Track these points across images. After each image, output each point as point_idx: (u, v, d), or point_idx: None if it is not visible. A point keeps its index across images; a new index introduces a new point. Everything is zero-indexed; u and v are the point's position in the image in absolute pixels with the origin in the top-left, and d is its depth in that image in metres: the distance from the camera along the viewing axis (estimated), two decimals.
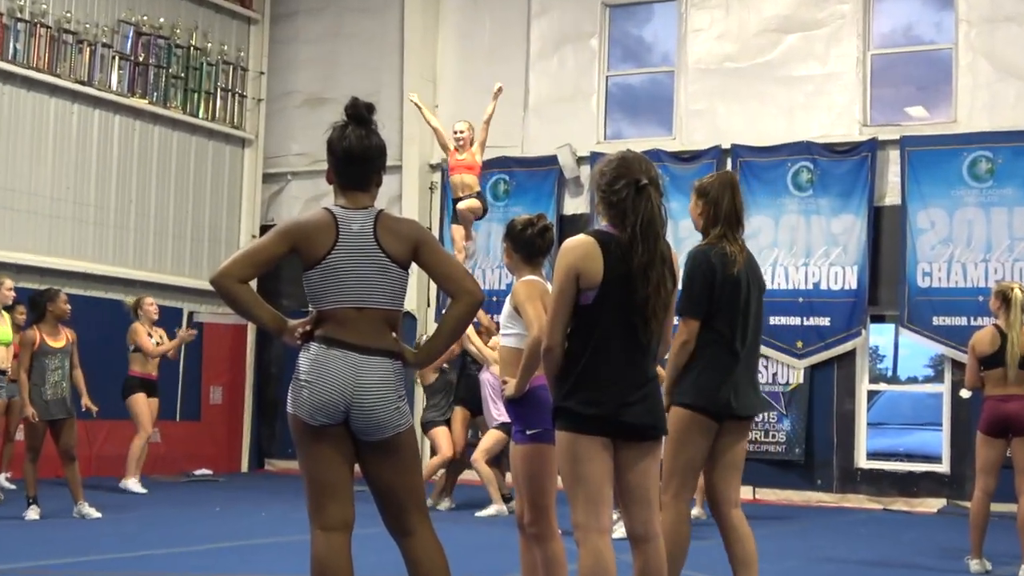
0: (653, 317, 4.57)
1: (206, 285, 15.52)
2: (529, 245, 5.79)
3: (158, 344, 13.11)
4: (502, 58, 16.88)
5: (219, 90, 17.49)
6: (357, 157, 4.57)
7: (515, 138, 16.71)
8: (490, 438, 11.77)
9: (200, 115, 17.17)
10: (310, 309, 4.57)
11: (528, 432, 5.58)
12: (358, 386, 4.39)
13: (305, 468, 4.49)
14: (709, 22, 15.92)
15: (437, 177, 16.82)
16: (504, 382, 5.58)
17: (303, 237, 4.49)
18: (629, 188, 4.60)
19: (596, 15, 16.59)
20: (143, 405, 13.07)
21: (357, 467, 4.53)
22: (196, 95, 17.15)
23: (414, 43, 17.24)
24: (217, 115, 17.45)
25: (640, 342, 4.60)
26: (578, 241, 4.64)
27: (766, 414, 14.80)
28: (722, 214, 5.71)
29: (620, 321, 4.56)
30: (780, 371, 14.85)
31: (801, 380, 14.76)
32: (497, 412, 11.28)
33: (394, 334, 4.55)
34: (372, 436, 4.44)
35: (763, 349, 14.60)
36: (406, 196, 16.95)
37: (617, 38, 16.76)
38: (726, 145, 15.35)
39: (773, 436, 14.75)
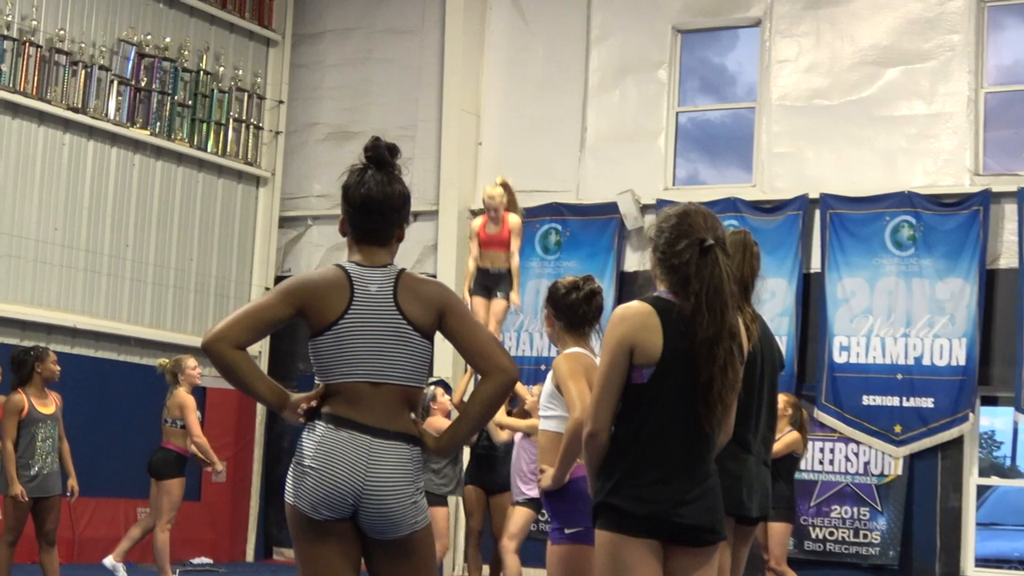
0: (719, 402, 4.51)
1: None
2: (573, 312, 5.73)
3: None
4: (556, 89, 16.89)
5: (231, 121, 17.63)
6: (376, 207, 4.57)
7: (569, 183, 16.70)
8: (518, 519, 11.15)
9: (209, 149, 17.29)
10: (316, 381, 4.53)
11: (567, 531, 5.54)
12: (370, 475, 4.36)
13: (303, 569, 4.45)
14: (796, 52, 15.88)
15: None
16: (541, 471, 5.50)
17: (311, 298, 4.48)
18: (692, 249, 4.54)
19: (665, 41, 16.59)
20: (180, 492, 12.44)
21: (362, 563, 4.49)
22: (205, 126, 17.29)
23: (455, 70, 17.31)
24: (228, 149, 17.58)
25: (702, 430, 4.55)
26: (634, 309, 4.58)
27: (856, 510, 14.60)
28: None
29: (679, 405, 4.51)
30: (874, 460, 14.65)
31: (899, 471, 14.56)
32: (526, 486, 10.98)
33: (413, 415, 4.52)
34: (384, 534, 4.40)
35: (855, 433, 14.60)
36: (442, 246, 16.88)
37: (689, 68, 16.75)
38: (814, 194, 15.25)
39: (865, 536, 14.55)
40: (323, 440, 4.39)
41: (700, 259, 4.53)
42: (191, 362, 12.49)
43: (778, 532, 11.81)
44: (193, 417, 12.29)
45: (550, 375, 5.63)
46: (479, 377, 4.59)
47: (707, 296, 4.50)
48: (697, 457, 4.55)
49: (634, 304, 4.62)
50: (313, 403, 4.47)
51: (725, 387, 4.52)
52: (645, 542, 4.47)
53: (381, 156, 4.61)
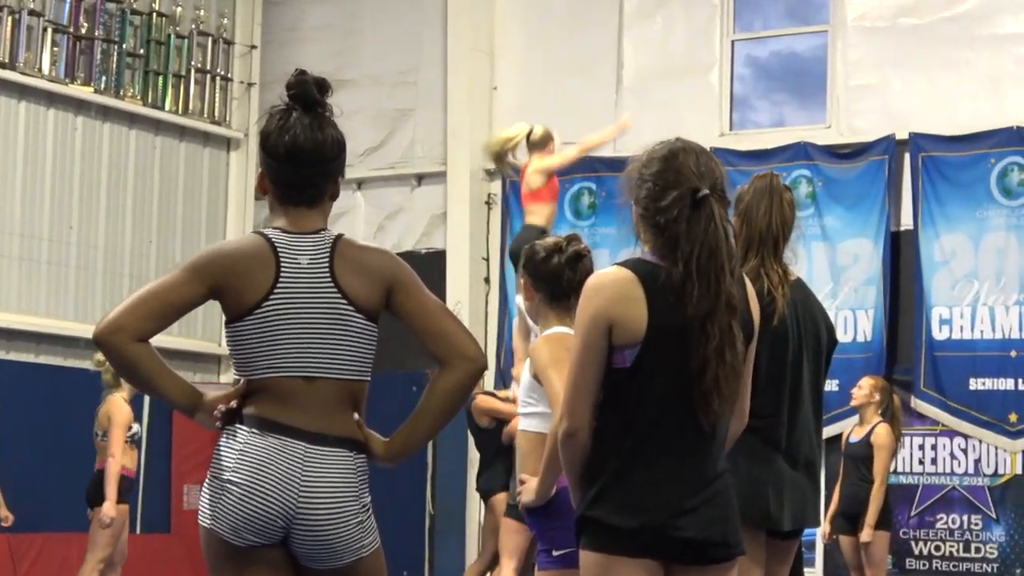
0: (715, 390, 4.42)
1: (177, 344, 15.62)
2: (555, 280, 5.69)
3: (131, 438, 12.24)
4: (586, 20, 16.83)
5: (193, 72, 17.69)
6: (305, 158, 4.54)
7: None
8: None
9: (167, 107, 17.37)
10: (235, 376, 4.53)
11: (556, 553, 5.54)
12: (304, 490, 4.35)
13: None
14: None
15: (496, 187, 16.77)
16: (521, 482, 5.49)
17: (228, 275, 4.47)
18: (682, 202, 4.46)
19: None
20: (120, 522, 12.27)
21: None
22: (161, 79, 17.36)
23: (463, 1, 17.28)
24: (191, 106, 17.64)
25: (698, 424, 4.47)
26: (610, 276, 4.53)
27: (966, 519, 14.56)
28: (757, 233, 5.72)
29: (671, 393, 4.44)
30: (986, 456, 14.61)
31: (1017, 469, 14.51)
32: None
33: (356, 415, 4.50)
34: (323, 563, 4.40)
35: (961, 425, 14.55)
36: (452, 213, 16.81)
37: None
38: (902, 135, 15.17)
39: (978, 550, 14.53)
40: (246, 448, 4.38)
41: (692, 214, 4.44)
42: None
43: (874, 543, 11.95)
44: (119, 432, 11.88)
45: (527, 363, 5.59)
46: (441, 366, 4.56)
47: (699, 261, 4.41)
48: (700, 455, 4.49)
49: (611, 271, 4.55)
50: (232, 403, 4.45)
51: (722, 371, 4.42)
52: (639, 562, 4.42)
53: (307, 94, 4.58)
